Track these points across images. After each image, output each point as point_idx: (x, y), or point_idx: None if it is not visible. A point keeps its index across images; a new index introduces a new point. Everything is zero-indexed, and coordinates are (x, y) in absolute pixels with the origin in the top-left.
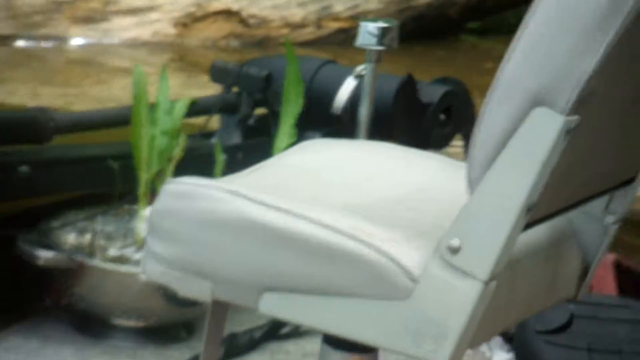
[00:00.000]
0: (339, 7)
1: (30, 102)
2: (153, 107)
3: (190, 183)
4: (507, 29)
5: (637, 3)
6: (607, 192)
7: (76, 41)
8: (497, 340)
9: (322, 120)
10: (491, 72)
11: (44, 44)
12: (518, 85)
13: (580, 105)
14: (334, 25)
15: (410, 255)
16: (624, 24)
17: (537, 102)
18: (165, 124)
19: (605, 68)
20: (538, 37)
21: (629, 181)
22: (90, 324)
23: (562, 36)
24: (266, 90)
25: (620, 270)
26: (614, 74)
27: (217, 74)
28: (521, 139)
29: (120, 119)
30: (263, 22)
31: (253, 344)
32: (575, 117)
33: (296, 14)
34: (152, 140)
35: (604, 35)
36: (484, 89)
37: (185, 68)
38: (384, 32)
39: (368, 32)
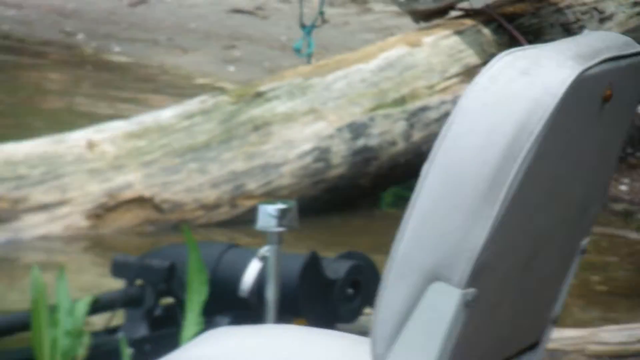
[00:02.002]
0: (251, 185)
1: None
2: (54, 308)
3: None
4: None
5: (517, 176)
6: (513, 357)
7: None
8: None
9: (230, 304)
10: None
11: None
12: (413, 263)
13: (476, 277)
14: (248, 203)
15: None
16: (506, 198)
17: (433, 277)
18: (67, 325)
19: (495, 240)
20: (427, 216)
21: (534, 345)
22: None
23: (449, 214)
24: (170, 280)
25: None
26: (504, 244)
27: (119, 269)
28: (422, 314)
29: (22, 323)
30: (176, 206)
31: None
32: (472, 290)
33: (209, 195)
34: (54, 343)
35: (489, 209)
36: None
37: (101, 259)
38: (283, 213)
39: (267, 214)
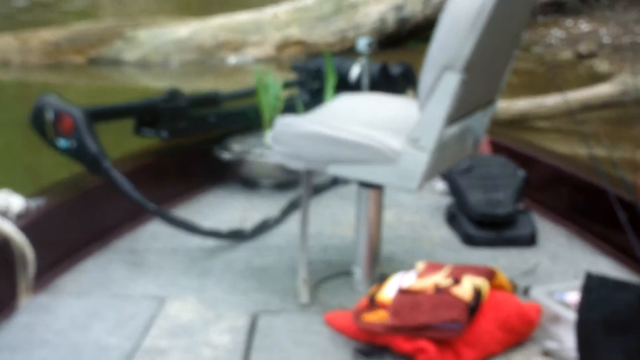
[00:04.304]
0: (350, 35)
1: (217, 84)
2: (267, 85)
3: (289, 118)
4: None
5: (485, 20)
6: (483, 106)
7: (231, 60)
8: (438, 176)
9: (345, 86)
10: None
11: (216, 63)
12: (436, 61)
13: (466, 68)
14: (349, 44)
15: (395, 143)
16: (481, 30)
17: (446, 68)
18: (273, 93)
19: (475, 50)
20: (442, 37)
21: (492, 101)
22: (250, 184)
23: (453, 36)
24: (318, 74)
25: (492, 142)
26: (480, 51)
27: (295, 68)
28: (441, 87)
29: (252, 93)
30: (315, 44)
31: (325, 187)
32: (465, 75)
33: (331, 39)
34: (267, 102)
35: (473, 35)
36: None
37: (281, 68)
38: (369, 43)
39: (362, 43)
